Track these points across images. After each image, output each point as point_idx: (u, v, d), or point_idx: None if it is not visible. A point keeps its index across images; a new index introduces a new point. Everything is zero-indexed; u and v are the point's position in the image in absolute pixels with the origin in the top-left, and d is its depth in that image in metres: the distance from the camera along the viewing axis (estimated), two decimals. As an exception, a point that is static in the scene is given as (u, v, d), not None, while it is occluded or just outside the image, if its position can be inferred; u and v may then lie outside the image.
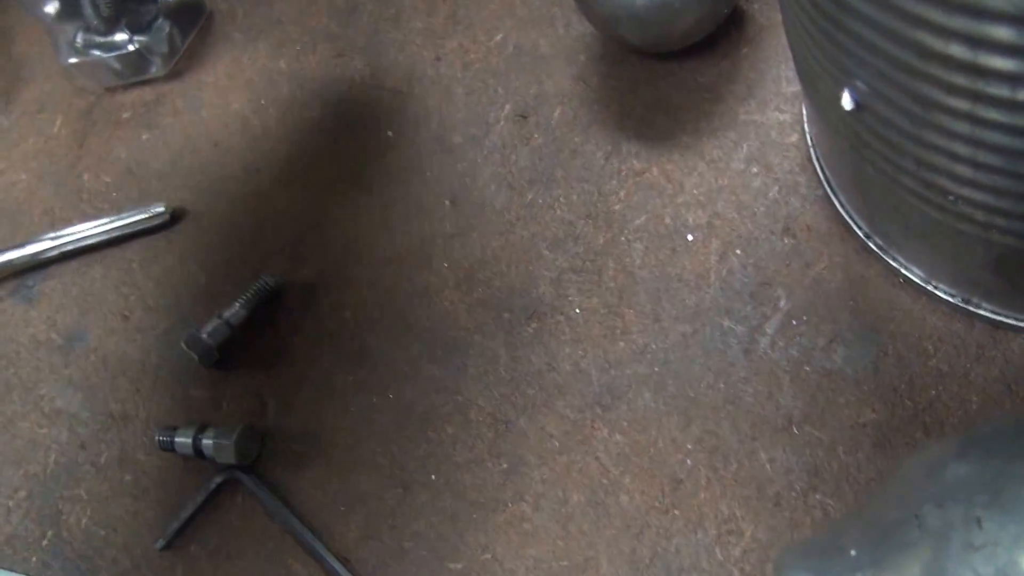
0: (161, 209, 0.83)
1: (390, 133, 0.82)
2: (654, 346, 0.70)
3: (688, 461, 0.66)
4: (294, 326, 0.77)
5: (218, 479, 0.71)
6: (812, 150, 0.71)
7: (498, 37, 0.84)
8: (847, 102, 0.53)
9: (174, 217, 0.84)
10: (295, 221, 0.81)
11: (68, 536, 0.75)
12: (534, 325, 0.72)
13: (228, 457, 0.70)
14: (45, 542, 0.75)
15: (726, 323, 0.69)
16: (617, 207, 0.74)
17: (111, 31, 0.89)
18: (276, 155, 0.84)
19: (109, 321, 0.81)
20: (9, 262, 0.84)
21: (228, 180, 0.84)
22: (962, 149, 0.49)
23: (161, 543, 0.71)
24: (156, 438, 0.73)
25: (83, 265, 0.84)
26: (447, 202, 0.78)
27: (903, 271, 0.66)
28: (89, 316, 0.82)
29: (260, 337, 0.78)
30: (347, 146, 0.84)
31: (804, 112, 0.72)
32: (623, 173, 0.75)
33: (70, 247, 0.85)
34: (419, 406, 0.73)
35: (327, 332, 0.77)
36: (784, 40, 0.67)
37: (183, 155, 0.86)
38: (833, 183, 0.69)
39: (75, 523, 0.76)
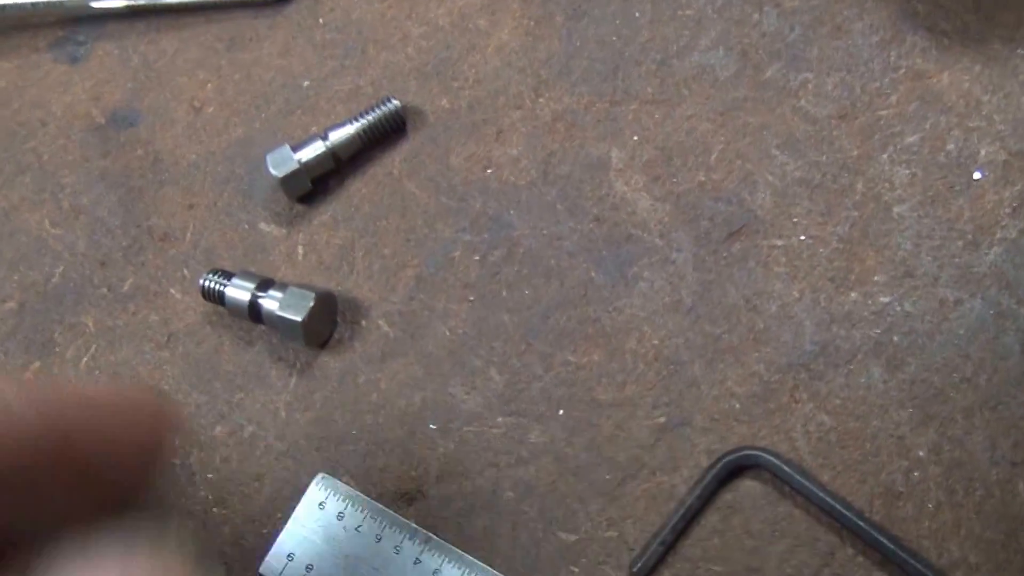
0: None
1: None
2: (898, 308, 0.56)
3: (915, 473, 0.57)
4: (413, 171, 0.64)
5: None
6: None
7: None
8: None
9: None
10: (449, 37, 0.66)
11: (58, 373, 0.66)
12: (739, 244, 0.59)
13: (295, 336, 0.60)
14: (28, 374, 0.65)
15: (1005, 301, 0.56)
16: (884, 113, 0.60)
17: None
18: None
19: (171, 109, 0.69)
20: (59, 2, 0.70)
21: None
22: None
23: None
24: (201, 282, 0.60)
25: (153, 29, 0.72)
26: (655, 57, 0.62)
27: None
28: (146, 97, 0.73)
29: (364, 176, 0.67)
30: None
31: None
32: (900, 71, 0.61)
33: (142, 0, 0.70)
34: (564, 315, 0.63)
35: (451, 186, 0.65)
36: None
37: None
38: None
39: (71, 359, 0.67)
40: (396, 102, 0.66)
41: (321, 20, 0.72)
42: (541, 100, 0.67)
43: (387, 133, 0.67)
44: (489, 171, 0.66)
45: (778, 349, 0.59)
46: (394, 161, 0.67)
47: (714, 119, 0.64)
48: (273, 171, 0.65)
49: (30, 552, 0.38)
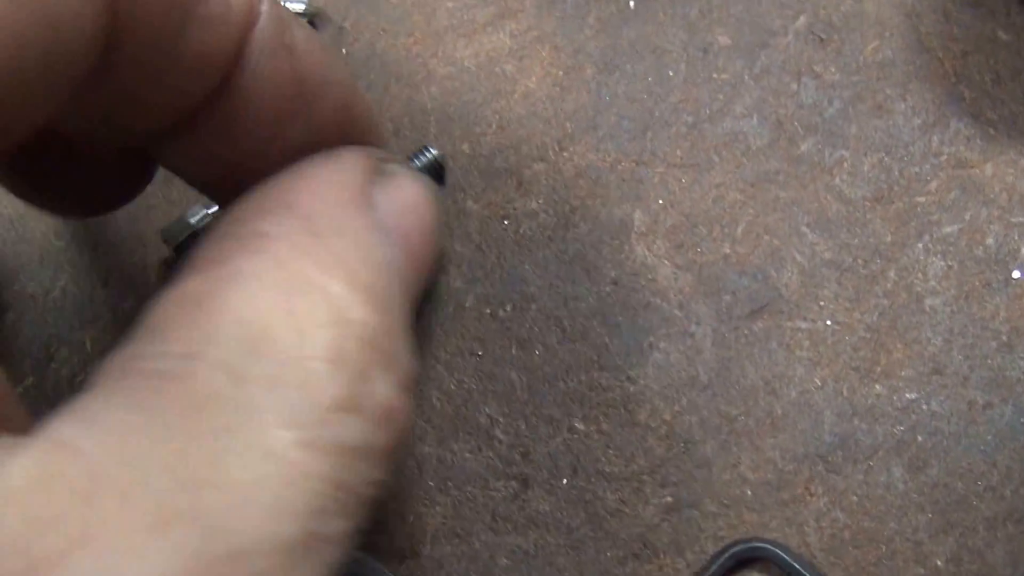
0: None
1: (632, 3, 0.63)
2: (924, 406, 0.52)
3: (931, 582, 0.50)
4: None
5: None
6: None
7: (819, -79, 0.64)
8: None
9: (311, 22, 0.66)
10: (474, 80, 0.66)
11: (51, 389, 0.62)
12: (762, 323, 0.55)
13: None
14: (20, 389, 0.62)
15: (1039, 409, 0.52)
16: (921, 200, 0.56)
17: None
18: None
19: None
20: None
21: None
22: None
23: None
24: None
25: None
26: (687, 120, 0.59)
27: None
28: None
29: None
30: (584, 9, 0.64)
31: None
32: (942, 158, 0.57)
33: None
34: (575, 379, 0.59)
35: (467, 234, 0.62)
36: None
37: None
38: None
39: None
40: (435, 151, 0.62)
41: (344, 51, 0.68)
42: (565, 154, 0.63)
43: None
44: (507, 222, 0.62)
45: (795, 437, 0.55)
46: (409, 203, 0.63)
47: (743, 189, 0.60)
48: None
49: None
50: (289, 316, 0.33)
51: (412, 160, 0.63)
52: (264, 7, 0.38)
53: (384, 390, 0.34)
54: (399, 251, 0.40)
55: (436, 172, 0.63)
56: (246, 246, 0.36)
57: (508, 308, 0.60)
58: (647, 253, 0.60)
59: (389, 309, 0.37)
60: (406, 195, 0.43)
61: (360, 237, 0.38)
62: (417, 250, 0.42)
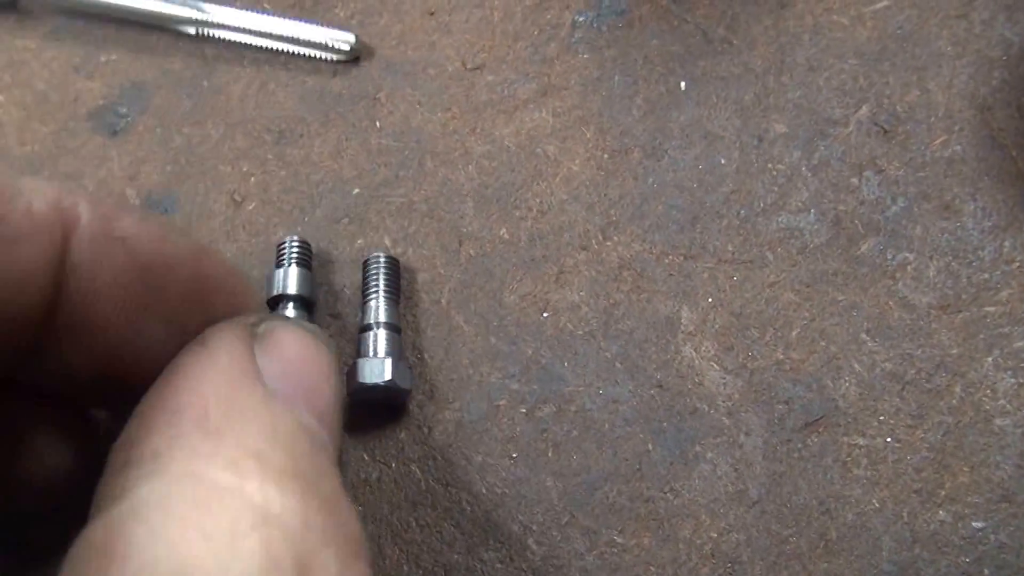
0: (351, 40, 0.61)
1: (683, 85, 0.57)
2: (992, 536, 0.47)
3: None
4: (462, 303, 0.60)
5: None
6: None
7: (883, 2, 0.58)
8: None
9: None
10: (514, 160, 0.62)
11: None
12: (816, 436, 0.49)
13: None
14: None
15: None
16: (991, 310, 0.50)
17: None
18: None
19: (211, 199, 0.62)
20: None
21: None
22: None
23: None
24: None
25: (200, 109, 0.66)
26: (739, 212, 0.53)
27: None
28: (185, 181, 0.65)
29: (408, 300, 0.60)
30: (643, 92, 0.59)
31: None
32: (1014, 265, 0.51)
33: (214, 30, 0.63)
34: (614, 488, 0.54)
35: (503, 326, 0.58)
36: None
37: None
38: None
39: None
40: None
41: (378, 124, 0.63)
42: (609, 243, 0.57)
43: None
44: (545, 315, 0.56)
45: (851, 564, 0.49)
46: (443, 289, 0.57)
47: (799, 290, 0.54)
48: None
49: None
50: (206, 540, 0.29)
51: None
52: (82, 207, 0.35)
53: (332, 568, 0.30)
54: (304, 409, 0.36)
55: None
56: (142, 472, 0.31)
57: (545, 408, 0.54)
58: (694, 355, 0.54)
59: (313, 481, 0.33)
60: (291, 350, 0.39)
61: (259, 416, 0.34)
62: (321, 399, 0.37)
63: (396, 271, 0.57)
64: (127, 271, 0.35)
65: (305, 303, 0.56)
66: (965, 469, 0.51)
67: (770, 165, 0.58)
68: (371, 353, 0.54)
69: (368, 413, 0.55)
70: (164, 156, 0.64)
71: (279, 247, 0.57)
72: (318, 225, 0.61)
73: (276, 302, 0.56)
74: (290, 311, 0.56)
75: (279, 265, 0.57)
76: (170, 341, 0.37)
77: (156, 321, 0.36)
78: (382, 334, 0.55)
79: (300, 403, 0.36)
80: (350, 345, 0.57)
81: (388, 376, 0.53)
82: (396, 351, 0.55)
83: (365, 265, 0.57)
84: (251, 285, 0.41)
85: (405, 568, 0.52)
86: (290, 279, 0.56)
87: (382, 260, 0.57)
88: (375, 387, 0.53)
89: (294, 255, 0.57)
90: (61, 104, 0.66)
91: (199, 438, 0.31)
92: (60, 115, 0.66)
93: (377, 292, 0.56)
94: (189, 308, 0.38)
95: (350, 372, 0.54)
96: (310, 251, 0.58)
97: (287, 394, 0.35)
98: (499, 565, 0.52)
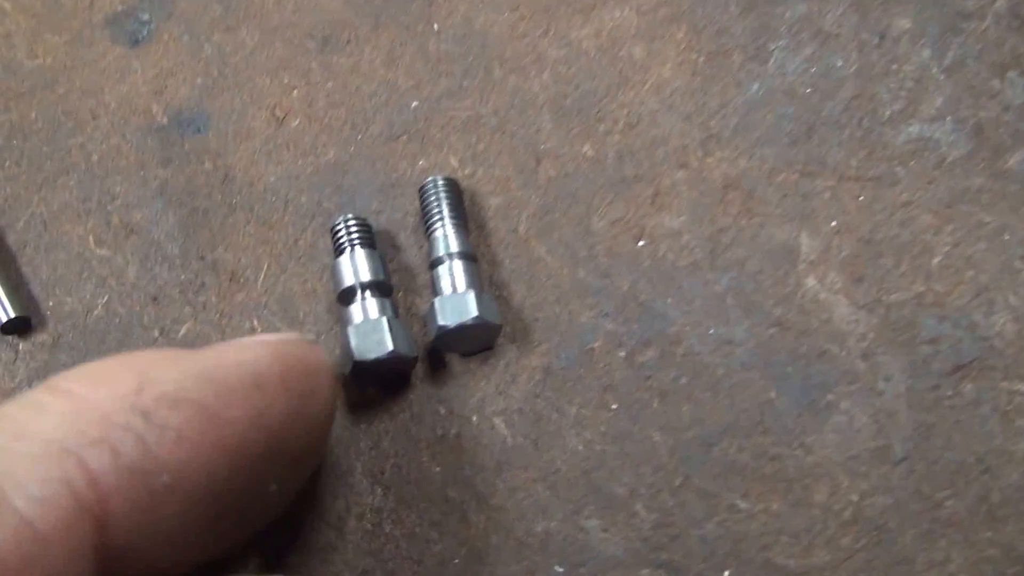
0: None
1: None
2: None
3: None
4: (544, 231, 0.51)
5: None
6: None
7: None
8: None
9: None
10: (595, 66, 0.53)
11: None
12: (969, 383, 0.45)
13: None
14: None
15: None
16: None
17: None
18: None
19: (248, 116, 0.55)
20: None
21: None
22: None
23: None
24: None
25: (232, 13, 0.59)
26: (862, 121, 0.45)
27: None
28: (218, 97, 0.56)
29: (482, 229, 0.52)
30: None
31: None
32: None
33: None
34: (734, 444, 0.46)
35: (592, 257, 0.46)
36: None
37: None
38: None
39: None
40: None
41: (436, 26, 0.53)
42: (711, 160, 0.48)
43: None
44: (641, 243, 0.47)
45: (1021, 532, 0.40)
46: (520, 215, 0.48)
47: (938, 211, 0.45)
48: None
49: None
50: None
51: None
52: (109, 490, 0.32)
53: None
54: None
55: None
56: None
57: (647, 352, 0.45)
58: (819, 287, 0.45)
59: None
60: None
61: None
62: None
63: (458, 194, 0.47)
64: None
65: (381, 288, 0.46)
66: None
67: (895, 67, 0.48)
68: (450, 289, 0.45)
69: (442, 361, 0.46)
70: (193, 68, 0.55)
71: (334, 230, 0.48)
72: (373, 144, 0.51)
73: (350, 293, 0.46)
74: (369, 302, 0.46)
75: (339, 251, 0.47)
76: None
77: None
78: (458, 266, 0.46)
79: None
80: (419, 279, 0.48)
81: (474, 312, 0.44)
82: (477, 283, 0.45)
83: (422, 192, 0.47)
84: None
85: (493, 539, 0.44)
86: (359, 265, 0.46)
87: (440, 183, 0.47)
88: (460, 328, 0.44)
89: (355, 237, 0.47)
90: (75, 10, 0.57)
91: None
92: (74, 23, 0.56)
93: (442, 219, 0.47)
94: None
95: (427, 315, 0.45)
96: (370, 228, 0.48)
97: None
98: (603, 534, 0.43)
